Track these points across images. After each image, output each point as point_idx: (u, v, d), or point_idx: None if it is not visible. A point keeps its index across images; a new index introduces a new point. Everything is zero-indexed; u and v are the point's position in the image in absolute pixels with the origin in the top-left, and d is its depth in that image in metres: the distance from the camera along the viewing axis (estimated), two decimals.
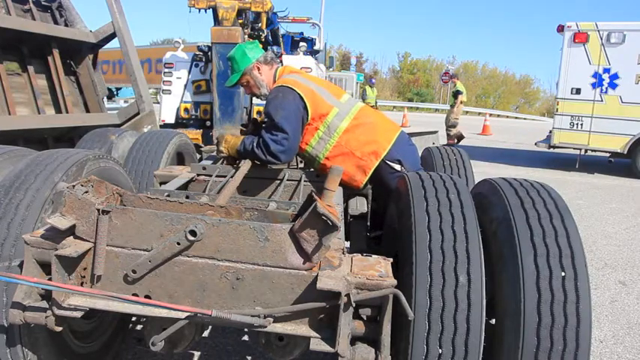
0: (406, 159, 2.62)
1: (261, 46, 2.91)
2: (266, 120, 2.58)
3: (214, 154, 3.32)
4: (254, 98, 5.66)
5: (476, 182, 2.04)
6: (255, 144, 2.54)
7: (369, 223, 2.72)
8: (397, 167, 2.58)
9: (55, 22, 5.43)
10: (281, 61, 6.99)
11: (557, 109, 9.60)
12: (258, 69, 2.72)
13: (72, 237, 1.53)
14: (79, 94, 5.60)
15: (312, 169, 2.74)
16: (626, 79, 8.94)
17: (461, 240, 1.49)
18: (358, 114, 2.64)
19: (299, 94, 2.53)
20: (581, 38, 9.12)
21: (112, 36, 5.64)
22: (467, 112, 35.38)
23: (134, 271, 1.50)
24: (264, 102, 2.68)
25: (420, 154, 3.01)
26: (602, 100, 9.16)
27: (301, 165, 3.22)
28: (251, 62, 2.70)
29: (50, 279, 1.47)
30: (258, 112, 6.64)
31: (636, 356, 2.82)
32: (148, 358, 2.49)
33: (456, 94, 13.13)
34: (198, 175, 2.66)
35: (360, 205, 2.71)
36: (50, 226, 1.50)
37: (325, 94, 2.63)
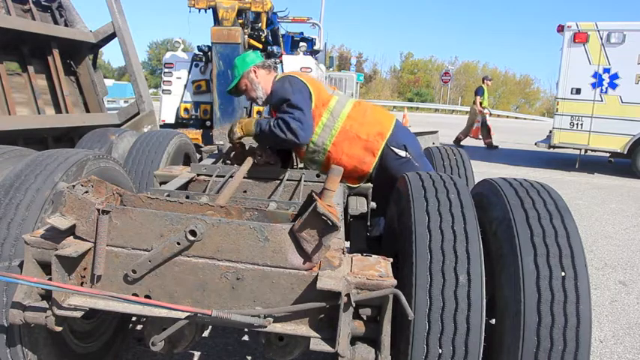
0: (410, 144, 2.72)
1: (262, 53, 3.05)
2: (278, 106, 2.64)
3: (216, 152, 3.32)
4: None
5: (476, 182, 2.04)
6: (272, 124, 2.57)
7: (369, 223, 2.72)
8: (402, 153, 2.67)
9: (55, 22, 5.43)
10: (281, 61, 7.07)
11: (557, 109, 9.60)
12: (255, 72, 2.83)
13: (72, 237, 1.53)
14: (79, 94, 5.60)
15: (312, 170, 2.74)
16: (626, 79, 8.93)
17: (461, 240, 1.49)
18: (355, 103, 2.80)
19: (302, 81, 2.68)
20: (581, 38, 9.11)
21: (112, 36, 5.64)
22: (466, 111, 35.36)
23: (134, 271, 1.50)
24: (270, 97, 2.77)
25: None
26: (602, 100, 9.15)
27: (301, 165, 3.22)
28: (249, 66, 2.82)
29: (50, 279, 1.47)
30: (258, 112, 6.64)
31: (636, 356, 2.82)
32: (148, 358, 2.49)
33: None
34: (198, 175, 2.66)
35: (360, 205, 2.71)
36: (50, 226, 1.50)
37: (324, 86, 2.82)
